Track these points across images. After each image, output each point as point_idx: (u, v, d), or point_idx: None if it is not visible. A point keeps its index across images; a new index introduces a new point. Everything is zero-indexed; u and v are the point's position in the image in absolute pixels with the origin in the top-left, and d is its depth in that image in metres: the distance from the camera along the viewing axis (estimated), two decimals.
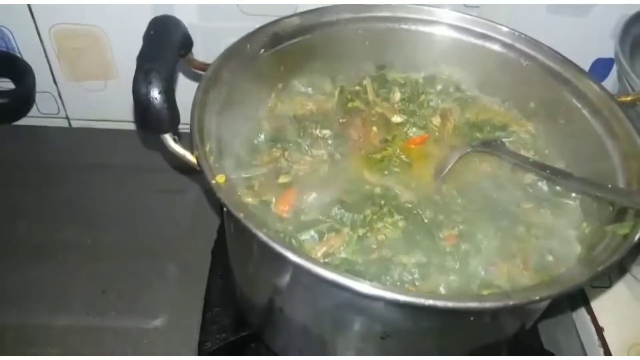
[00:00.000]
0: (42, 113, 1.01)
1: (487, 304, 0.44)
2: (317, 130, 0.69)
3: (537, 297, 0.46)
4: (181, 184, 0.93)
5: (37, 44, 0.91)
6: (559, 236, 0.61)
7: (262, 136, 0.68)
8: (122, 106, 1.00)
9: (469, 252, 0.58)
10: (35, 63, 0.92)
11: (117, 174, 0.94)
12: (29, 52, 0.92)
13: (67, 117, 1.03)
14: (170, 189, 0.92)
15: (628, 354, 0.75)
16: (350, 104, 0.73)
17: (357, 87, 0.75)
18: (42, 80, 0.95)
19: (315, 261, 0.46)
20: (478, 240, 0.59)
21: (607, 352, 0.75)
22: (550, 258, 0.59)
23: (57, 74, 0.95)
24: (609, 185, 0.58)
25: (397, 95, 0.74)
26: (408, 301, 0.44)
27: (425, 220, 0.60)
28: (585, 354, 0.79)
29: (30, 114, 1.00)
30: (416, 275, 0.55)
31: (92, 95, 0.98)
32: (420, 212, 0.61)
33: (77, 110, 1.02)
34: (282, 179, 0.63)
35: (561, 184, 0.63)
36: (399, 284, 0.54)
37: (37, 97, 0.98)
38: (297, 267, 0.46)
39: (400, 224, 0.60)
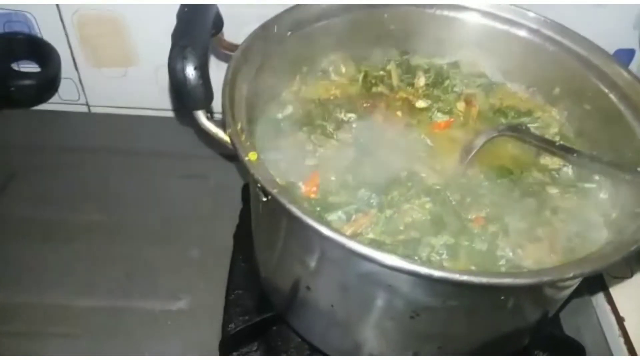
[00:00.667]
0: (62, 99, 1.02)
1: (521, 280, 0.45)
2: (342, 114, 0.69)
3: (571, 274, 0.46)
4: (203, 169, 0.93)
5: (59, 30, 0.91)
6: (585, 221, 0.61)
7: (288, 119, 0.68)
8: (142, 93, 1.01)
9: (497, 234, 0.58)
10: (57, 49, 0.93)
11: (139, 159, 0.94)
12: (51, 37, 0.92)
13: (87, 104, 1.03)
14: (191, 174, 0.93)
15: None
16: (374, 89, 0.74)
17: (382, 72, 0.75)
18: (63, 66, 0.96)
19: (348, 236, 0.46)
20: (505, 223, 0.59)
21: (628, 342, 0.75)
22: (577, 242, 0.59)
23: (78, 60, 0.96)
24: (638, 169, 0.58)
25: (422, 80, 0.74)
26: (442, 277, 0.44)
27: (453, 203, 0.60)
28: (606, 343, 0.79)
29: (51, 100, 1.01)
30: (444, 256, 0.56)
31: (112, 82, 0.99)
32: (448, 194, 0.61)
33: (97, 96, 1.02)
34: (309, 162, 0.64)
35: (589, 167, 0.63)
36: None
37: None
38: (331, 242, 0.46)
39: (428, 205, 0.60)
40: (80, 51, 0.95)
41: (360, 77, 0.74)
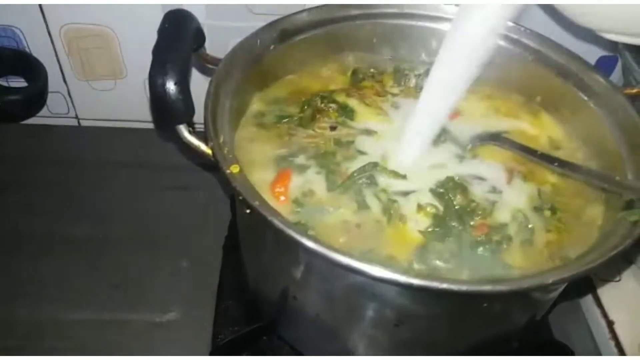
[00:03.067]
0: (52, 113, 1.02)
1: (501, 287, 0.45)
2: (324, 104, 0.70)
3: (550, 281, 0.46)
4: (192, 181, 0.94)
5: (47, 44, 0.92)
6: (581, 225, 0.61)
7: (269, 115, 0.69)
8: (131, 106, 1.01)
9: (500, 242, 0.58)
10: (45, 63, 0.93)
11: (128, 171, 0.94)
12: (39, 52, 0.93)
13: (77, 117, 1.04)
14: (181, 186, 0.93)
15: (639, 347, 0.75)
16: (364, 82, 0.75)
17: (372, 70, 0.76)
18: (52, 80, 0.96)
19: (329, 246, 0.47)
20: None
21: (618, 345, 0.76)
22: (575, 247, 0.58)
23: (67, 73, 0.96)
24: (616, 178, 0.58)
25: (413, 82, 0.75)
26: (422, 285, 0.45)
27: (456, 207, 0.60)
28: (596, 347, 0.79)
29: (40, 113, 1.01)
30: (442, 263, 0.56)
31: (101, 95, 0.99)
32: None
33: (86, 110, 1.03)
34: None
35: (569, 175, 0.63)
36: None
37: (48, 96, 0.99)
38: (312, 253, 0.46)
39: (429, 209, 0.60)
40: (68, 65, 0.95)
41: (349, 73, 0.75)
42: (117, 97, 1.00)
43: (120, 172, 0.95)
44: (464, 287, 0.44)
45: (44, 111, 1.01)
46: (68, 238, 0.84)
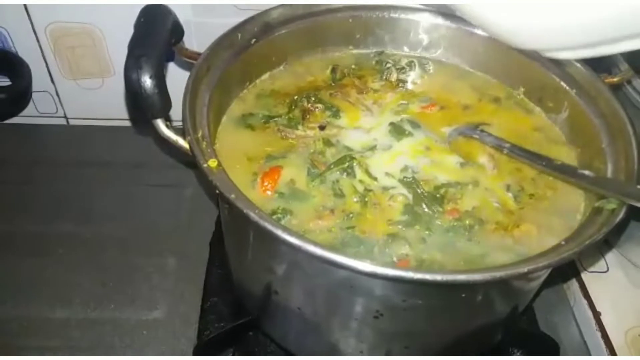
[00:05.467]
0: (40, 112, 1.02)
1: (476, 277, 0.45)
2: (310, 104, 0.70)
3: (526, 270, 0.46)
4: (180, 178, 0.94)
5: (33, 43, 0.92)
6: (561, 214, 0.61)
7: (253, 115, 0.69)
8: (119, 104, 1.01)
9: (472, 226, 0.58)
10: (32, 62, 0.93)
11: (115, 169, 0.95)
12: (25, 51, 0.93)
13: (65, 116, 1.04)
14: (168, 183, 0.94)
15: (625, 338, 0.75)
16: (345, 80, 0.75)
17: (353, 66, 0.76)
18: (39, 80, 0.96)
19: (303, 237, 0.47)
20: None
21: (605, 336, 0.76)
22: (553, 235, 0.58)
23: (54, 72, 0.96)
24: (586, 173, 0.57)
25: (394, 76, 0.75)
26: (396, 275, 0.45)
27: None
28: (582, 339, 0.79)
29: (28, 113, 1.01)
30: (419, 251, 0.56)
31: (89, 94, 0.99)
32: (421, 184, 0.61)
33: (75, 109, 1.03)
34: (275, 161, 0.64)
35: (542, 169, 0.62)
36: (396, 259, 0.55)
37: (35, 96, 0.99)
38: (286, 244, 0.46)
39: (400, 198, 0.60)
40: (55, 64, 0.95)
41: (329, 70, 0.75)
42: (105, 96, 1.00)
43: (108, 170, 0.95)
44: (438, 277, 0.44)
45: (32, 111, 1.01)
46: (55, 236, 0.85)
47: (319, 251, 0.45)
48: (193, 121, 0.56)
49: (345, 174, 0.62)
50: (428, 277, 0.45)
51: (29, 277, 0.80)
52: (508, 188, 0.63)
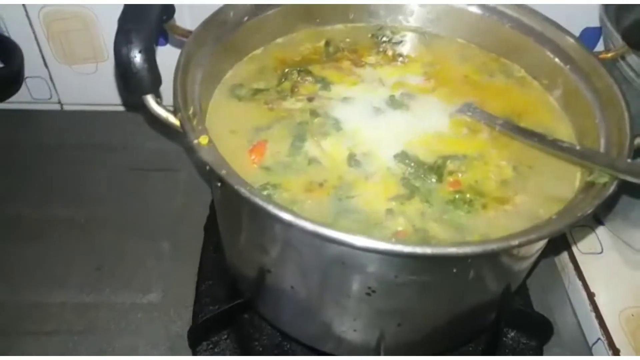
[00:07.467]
0: (34, 99, 1.02)
1: (466, 249, 0.45)
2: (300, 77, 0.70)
3: (517, 242, 0.46)
4: (174, 162, 0.94)
5: (26, 27, 0.91)
6: (557, 188, 0.60)
7: (243, 87, 0.68)
8: (114, 88, 1.01)
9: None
10: (25, 47, 0.93)
11: (110, 154, 0.95)
12: (18, 35, 0.92)
13: (59, 102, 1.03)
14: (163, 167, 0.93)
15: (619, 319, 0.75)
16: (339, 54, 0.74)
17: (348, 39, 0.75)
18: (33, 65, 0.96)
19: (292, 212, 0.46)
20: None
21: (599, 317, 0.76)
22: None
23: (47, 57, 0.96)
24: (577, 147, 0.57)
25: (390, 50, 0.75)
26: (387, 249, 0.45)
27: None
28: (577, 319, 0.79)
29: (22, 99, 1.01)
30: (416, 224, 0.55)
31: (83, 79, 0.99)
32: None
33: (69, 94, 1.02)
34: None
35: (535, 145, 0.62)
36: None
37: (29, 82, 0.99)
38: (278, 220, 0.46)
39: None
40: (49, 48, 0.95)
41: (322, 43, 0.74)
42: (99, 80, 0.99)
43: (103, 155, 0.95)
44: (428, 250, 0.44)
45: (26, 97, 1.01)
46: (50, 221, 0.84)
47: (309, 226, 0.45)
48: (184, 97, 0.55)
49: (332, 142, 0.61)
50: (418, 250, 0.44)
51: (23, 261, 0.80)
52: (506, 162, 0.62)
